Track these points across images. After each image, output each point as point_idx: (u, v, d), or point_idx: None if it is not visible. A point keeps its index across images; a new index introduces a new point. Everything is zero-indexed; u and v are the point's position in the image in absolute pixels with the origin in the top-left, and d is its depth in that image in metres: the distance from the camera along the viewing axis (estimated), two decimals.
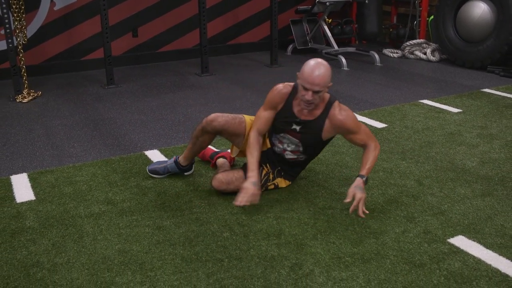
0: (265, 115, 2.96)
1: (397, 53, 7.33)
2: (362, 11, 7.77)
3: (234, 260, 2.40)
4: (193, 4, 6.66)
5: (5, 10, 4.91)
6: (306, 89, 2.69)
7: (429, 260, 2.39)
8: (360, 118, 4.35)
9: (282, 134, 2.96)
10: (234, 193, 2.87)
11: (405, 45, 7.28)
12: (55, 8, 6.16)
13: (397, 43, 7.74)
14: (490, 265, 2.35)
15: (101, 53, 5.83)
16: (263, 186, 3.03)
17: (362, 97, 5.22)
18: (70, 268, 2.34)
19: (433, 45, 7.06)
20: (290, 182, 3.13)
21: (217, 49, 7.27)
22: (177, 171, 3.26)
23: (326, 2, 6.87)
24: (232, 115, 3.06)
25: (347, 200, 2.71)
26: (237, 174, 3.01)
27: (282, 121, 2.93)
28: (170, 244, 2.53)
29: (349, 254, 2.44)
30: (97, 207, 2.90)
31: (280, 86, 2.95)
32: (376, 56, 6.84)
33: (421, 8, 7.40)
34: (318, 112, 2.85)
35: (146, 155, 3.66)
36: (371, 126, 4.22)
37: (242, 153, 3.14)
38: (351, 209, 2.70)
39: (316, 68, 2.69)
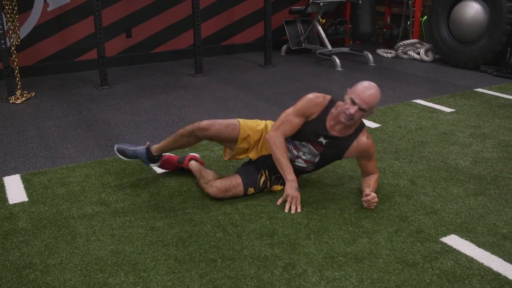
0: (295, 121, 2.89)
1: (390, 53, 7.35)
2: (356, 12, 7.80)
3: (227, 260, 2.40)
4: (187, 4, 6.66)
5: None
6: (354, 103, 2.73)
7: (422, 259, 2.40)
8: None
9: (304, 143, 2.94)
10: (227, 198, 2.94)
11: (399, 45, 7.30)
12: (49, 9, 6.15)
13: (390, 43, 7.77)
14: (482, 263, 2.36)
15: (94, 54, 5.82)
16: (260, 192, 3.03)
17: None
18: (63, 269, 2.33)
19: (427, 45, 7.09)
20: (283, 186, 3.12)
21: (211, 49, 7.27)
22: (145, 160, 3.14)
23: (320, 2, 6.88)
24: (225, 122, 2.96)
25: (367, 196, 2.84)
26: (235, 181, 2.98)
27: (311, 131, 2.89)
28: (163, 244, 2.53)
29: (342, 254, 2.44)
30: (90, 208, 2.90)
31: (318, 97, 2.91)
32: (370, 56, 6.85)
33: (414, 9, 7.43)
34: (349, 132, 2.88)
35: None
36: None
37: (235, 157, 3.07)
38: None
39: (371, 88, 2.77)
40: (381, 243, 2.53)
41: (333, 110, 2.87)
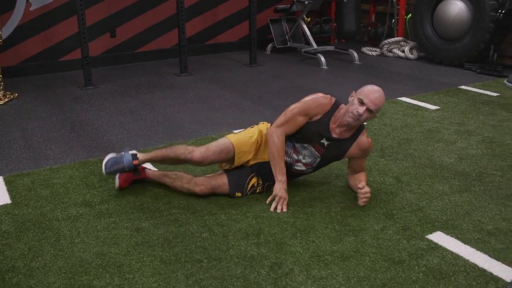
0: (299, 120, 2.86)
1: (375, 51, 7.38)
2: (341, 10, 7.79)
3: (213, 260, 2.39)
4: (171, 3, 6.62)
5: None
6: (362, 103, 2.75)
7: (408, 256, 2.41)
8: None
9: (306, 145, 2.91)
10: (214, 194, 2.93)
11: (384, 43, 7.33)
12: (31, 9, 6.07)
13: (375, 41, 7.80)
14: (468, 260, 2.38)
15: (78, 54, 5.76)
16: (246, 193, 3.00)
17: (341, 95, 5.21)
18: (47, 272, 2.30)
19: (411, 43, 7.12)
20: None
21: (196, 48, 7.24)
22: (127, 165, 3.02)
23: (305, 1, 6.88)
24: (218, 148, 2.90)
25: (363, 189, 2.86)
26: (220, 180, 2.96)
27: (314, 131, 2.87)
28: (149, 245, 2.51)
29: (328, 252, 2.44)
30: (75, 210, 2.86)
31: (325, 97, 2.90)
32: (355, 54, 6.87)
33: (399, 7, 7.46)
34: (349, 134, 2.89)
35: None
36: None
37: (232, 167, 3.02)
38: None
39: (378, 91, 2.81)
40: (368, 241, 2.54)
41: (336, 113, 2.87)
